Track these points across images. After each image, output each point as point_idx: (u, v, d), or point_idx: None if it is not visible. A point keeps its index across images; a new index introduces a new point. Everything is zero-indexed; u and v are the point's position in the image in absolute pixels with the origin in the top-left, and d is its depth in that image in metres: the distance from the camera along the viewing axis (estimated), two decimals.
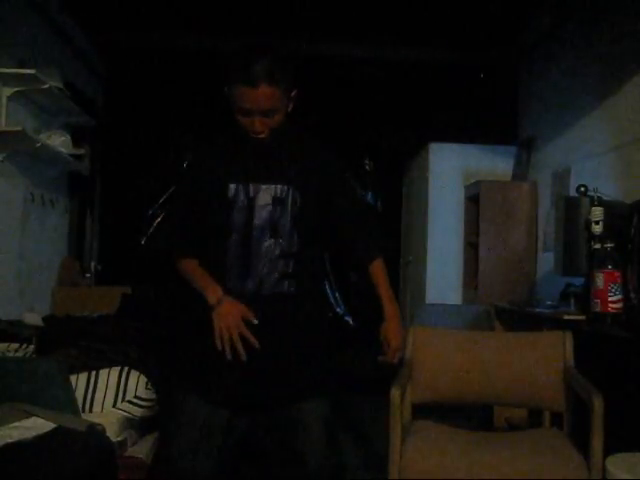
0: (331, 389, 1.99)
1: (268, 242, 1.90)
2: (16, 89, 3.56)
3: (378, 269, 2.03)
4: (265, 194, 1.90)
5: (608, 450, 2.01)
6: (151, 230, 5.23)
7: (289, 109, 1.91)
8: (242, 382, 1.87)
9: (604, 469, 1.93)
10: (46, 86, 3.62)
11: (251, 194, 1.90)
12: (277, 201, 1.90)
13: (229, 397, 1.89)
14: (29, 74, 3.48)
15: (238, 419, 1.95)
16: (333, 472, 1.94)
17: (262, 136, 1.86)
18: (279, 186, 1.91)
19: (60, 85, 3.82)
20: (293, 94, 1.90)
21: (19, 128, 3.44)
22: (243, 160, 1.93)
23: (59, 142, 4.00)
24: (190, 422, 1.88)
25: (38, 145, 3.65)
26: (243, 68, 1.78)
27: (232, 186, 1.90)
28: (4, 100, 3.53)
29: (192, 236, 1.96)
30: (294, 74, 1.88)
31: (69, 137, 4.10)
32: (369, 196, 5.75)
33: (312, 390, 1.93)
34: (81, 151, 4.46)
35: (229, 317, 1.83)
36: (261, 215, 1.90)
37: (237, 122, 1.86)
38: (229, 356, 1.81)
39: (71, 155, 4.18)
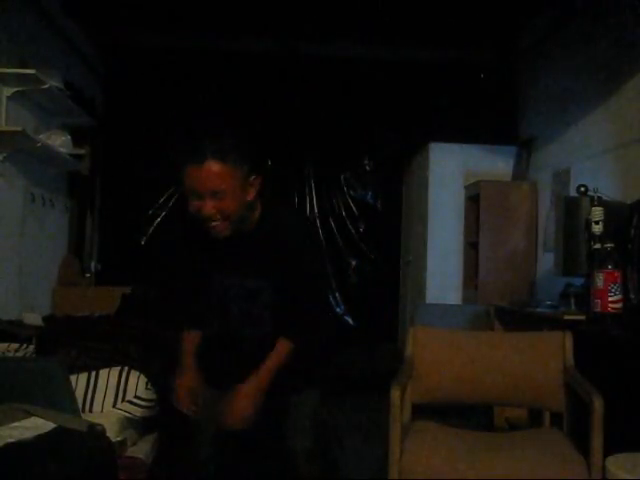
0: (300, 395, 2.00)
1: (245, 331, 1.94)
2: (16, 89, 3.57)
3: (284, 347, 1.89)
4: (238, 286, 1.90)
5: (608, 450, 2.01)
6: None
7: (249, 197, 1.77)
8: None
9: (604, 469, 1.93)
10: (46, 86, 3.62)
11: (225, 285, 1.91)
12: (250, 293, 1.90)
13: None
14: (29, 74, 3.48)
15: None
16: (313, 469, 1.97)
17: (220, 230, 1.75)
18: (252, 279, 1.89)
19: (60, 85, 3.82)
20: (253, 179, 1.76)
21: (19, 128, 3.44)
22: (219, 248, 1.88)
23: (59, 142, 4.00)
24: (186, 427, 1.96)
25: (38, 145, 3.65)
26: (191, 147, 1.67)
27: (209, 274, 1.93)
28: (4, 100, 3.54)
29: (193, 311, 2.02)
30: (255, 158, 1.76)
31: (69, 137, 4.09)
32: (369, 196, 5.76)
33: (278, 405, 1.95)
34: (81, 151, 4.46)
35: (182, 402, 1.96)
36: (236, 305, 1.92)
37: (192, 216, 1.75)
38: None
39: (71, 155, 4.18)
